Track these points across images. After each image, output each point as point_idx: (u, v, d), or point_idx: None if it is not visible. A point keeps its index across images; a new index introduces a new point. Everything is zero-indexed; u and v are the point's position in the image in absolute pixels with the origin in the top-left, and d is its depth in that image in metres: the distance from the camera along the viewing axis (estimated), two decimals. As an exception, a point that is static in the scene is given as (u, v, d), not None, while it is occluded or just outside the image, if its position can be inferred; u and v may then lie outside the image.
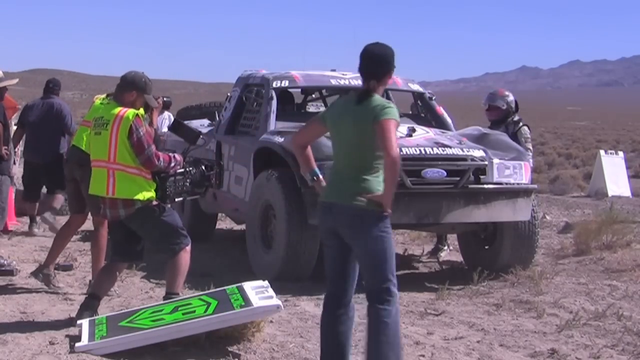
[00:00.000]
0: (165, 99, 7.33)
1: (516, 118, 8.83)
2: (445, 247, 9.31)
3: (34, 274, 6.99)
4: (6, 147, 7.52)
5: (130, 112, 5.70)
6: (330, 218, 4.47)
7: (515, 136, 8.64)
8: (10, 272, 7.34)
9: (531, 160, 8.73)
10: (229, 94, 9.45)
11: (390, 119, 4.37)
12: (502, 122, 8.84)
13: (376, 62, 4.45)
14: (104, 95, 6.27)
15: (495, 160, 7.60)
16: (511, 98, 8.88)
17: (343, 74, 8.85)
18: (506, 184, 7.61)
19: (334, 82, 8.77)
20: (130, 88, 5.84)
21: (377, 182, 4.41)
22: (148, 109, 6.78)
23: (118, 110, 5.71)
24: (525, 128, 8.77)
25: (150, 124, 6.93)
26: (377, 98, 4.45)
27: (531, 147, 8.80)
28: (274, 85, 8.50)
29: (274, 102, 8.40)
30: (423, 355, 5.39)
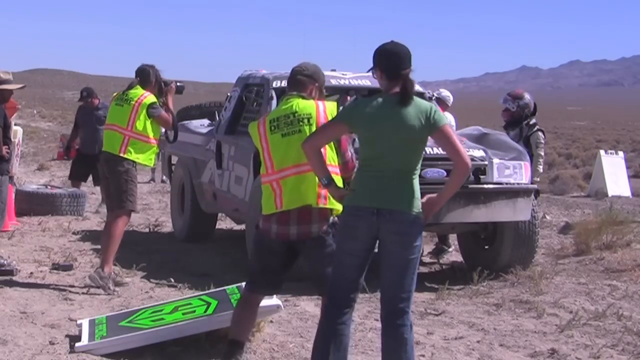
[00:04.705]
0: (178, 84, 7.43)
1: (532, 121, 8.78)
2: (451, 249, 9.27)
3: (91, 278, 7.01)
4: (7, 147, 7.53)
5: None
6: (371, 224, 4.23)
7: (527, 140, 8.61)
8: (10, 272, 7.34)
9: (541, 167, 8.72)
10: (229, 94, 9.44)
11: (447, 124, 4.36)
12: (516, 125, 8.79)
13: (402, 60, 4.33)
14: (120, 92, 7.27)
15: (495, 160, 7.60)
16: (525, 101, 8.81)
17: (343, 74, 8.84)
18: (506, 184, 7.61)
19: (334, 82, 8.76)
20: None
21: (418, 187, 4.32)
22: (162, 94, 7.10)
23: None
24: (540, 133, 8.69)
25: (167, 109, 7.17)
26: (419, 99, 4.38)
27: (542, 153, 8.72)
28: (274, 85, 8.50)
29: (274, 102, 8.39)
30: (423, 355, 5.39)
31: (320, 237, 4.59)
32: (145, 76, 7.24)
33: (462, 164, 4.31)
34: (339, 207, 4.57)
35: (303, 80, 4.83)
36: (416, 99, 4.36)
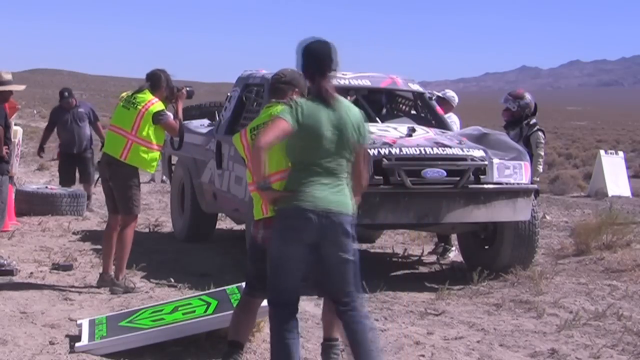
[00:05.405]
0: (188, 88, 7.39)
1: (532, 121, 8.79)
2: (453, 248, 9.25)
3: (99, 284, 7.07)
4: (7, 148, 7.53)
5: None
6: (319, 226, 4.25)
7: (527, 139, 8.62)
8: (10, 272, 7.34)
9: (541, 167, 8.74)
10: (229, 94, 9.44)
11: (368, 144, 4.50)
12: (516, 124, 8.81)
13: (321, 59, 4.38)
14: (130, 92, 7.17)
15: (495, 160, 7.60)
16: (526, 101, 8.82)
17: (343, 74, 8.84)
18: (506, 183, 7.61)
19: (334, 82, 8.75)
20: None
21: None
22: (172, 99, 7.05)
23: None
24: (540, 133, 8.72)
25: (176, 115, 7.12)
26: (343, 99, 4.44)
27: (542, 153, 8.74)
28: (274, 85, 8.49)
29: (274, 102, 8.38)
30: (423, 355, 5.39)
31: None
32: (156, 81, 7.11)
33: (360, 188, 4.50)
34: None
35: (282, 87, 4.92)
36: (346, 102, 4.44)
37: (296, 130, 4.28)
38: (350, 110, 4.42)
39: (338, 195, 4.30)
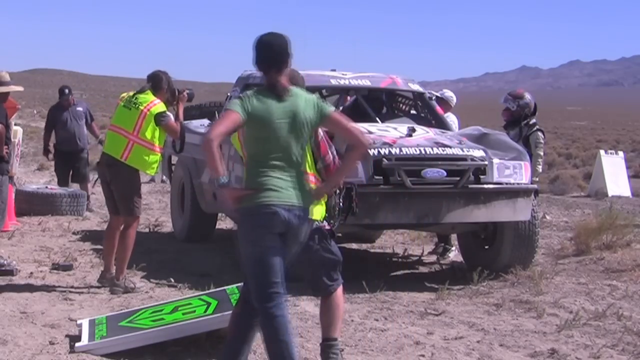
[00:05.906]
0: (188, 91, 7.39)
1: (532, 121, 8.80)
2: (453, 248, 9.25)
3: (100, 282, 7.09)
4: (7, 147, 7.53)
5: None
6: (286, 221, 4.25)
7: (527, 139, 8.63)
8: (10, 272, 7.35)
9: (540, 167, 8.75)
10: (229, 94, 9.44)
11: (334, 111, 4.43)
12: (516, 124, 8.82)
13: (276, 52, 4.34)
14: (131, 93, 7.14)
15: (495, 160, 7.60)
16: (525, 100, 8.83)
17: (343, 74, 8.85)
18: (506, 183, 7.61)
19: (334, 82, 8.77)
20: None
21: None
22: (173, 101, 7.04)
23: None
24: (539, 133, 8.73)
25: (177, 118, 7.11)
26: (298, 90, 4.41)
27: (542, 153, 8.76)
28: (274, 85, 8.49)
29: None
30: (423, 355, 5.39)
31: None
32: (157, 82, 7.10)
33: (362, 145, 4.39)
34: (318, 215, 4.64)
35: None
36: (299, 91, 4.40)
37: (247, 121, 4.28)
38: (303, 98, 4.37)
39: (297, 189, 4.29)
